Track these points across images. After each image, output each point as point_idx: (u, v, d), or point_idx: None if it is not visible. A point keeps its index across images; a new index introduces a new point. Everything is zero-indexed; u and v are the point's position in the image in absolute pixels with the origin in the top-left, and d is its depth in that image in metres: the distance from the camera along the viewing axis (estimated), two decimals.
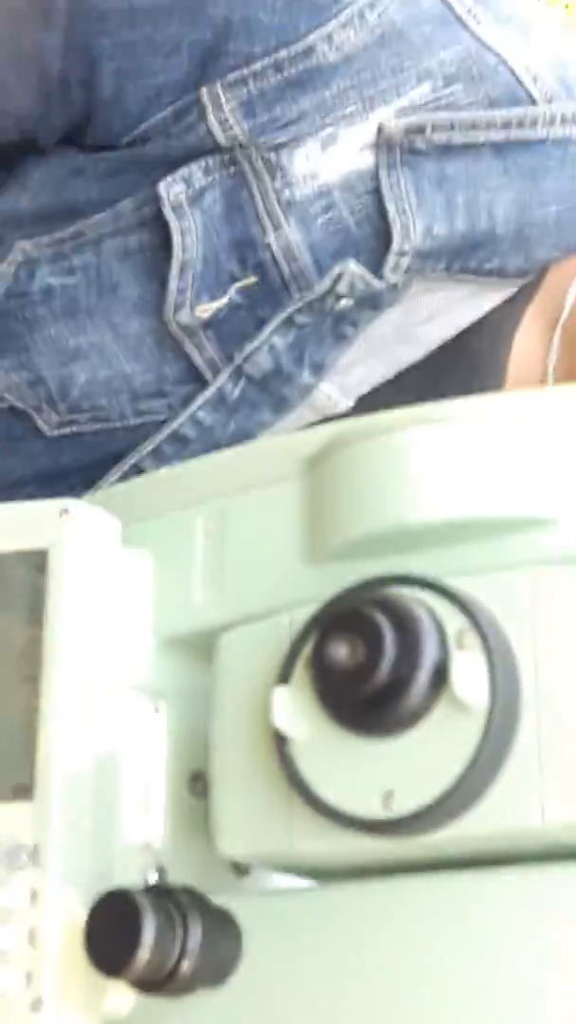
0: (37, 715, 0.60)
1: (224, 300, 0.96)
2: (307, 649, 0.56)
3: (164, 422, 0.99)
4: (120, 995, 0.58)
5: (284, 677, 0.56)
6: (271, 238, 0.95)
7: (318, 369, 0.97)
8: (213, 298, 0.96)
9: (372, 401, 0.99)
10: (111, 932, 0.55)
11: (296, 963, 0.58)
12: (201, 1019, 0.58)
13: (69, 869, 0.58)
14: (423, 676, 0.53)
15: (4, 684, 0.61)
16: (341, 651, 0.53)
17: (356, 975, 0.57)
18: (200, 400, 0.98)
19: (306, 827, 0.56)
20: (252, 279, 0.96)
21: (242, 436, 0.99)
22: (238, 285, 0.96)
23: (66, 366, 0.99)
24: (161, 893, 0.56)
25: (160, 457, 1.00)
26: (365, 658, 0.53)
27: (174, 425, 0.99)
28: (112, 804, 0.61)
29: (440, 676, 0.53)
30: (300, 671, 0.56)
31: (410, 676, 0.53)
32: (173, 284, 0.96)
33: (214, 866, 0.63)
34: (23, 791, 0.59)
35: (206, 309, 0.96)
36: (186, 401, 0.99)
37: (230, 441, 0.99)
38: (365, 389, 1.00)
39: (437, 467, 0.57)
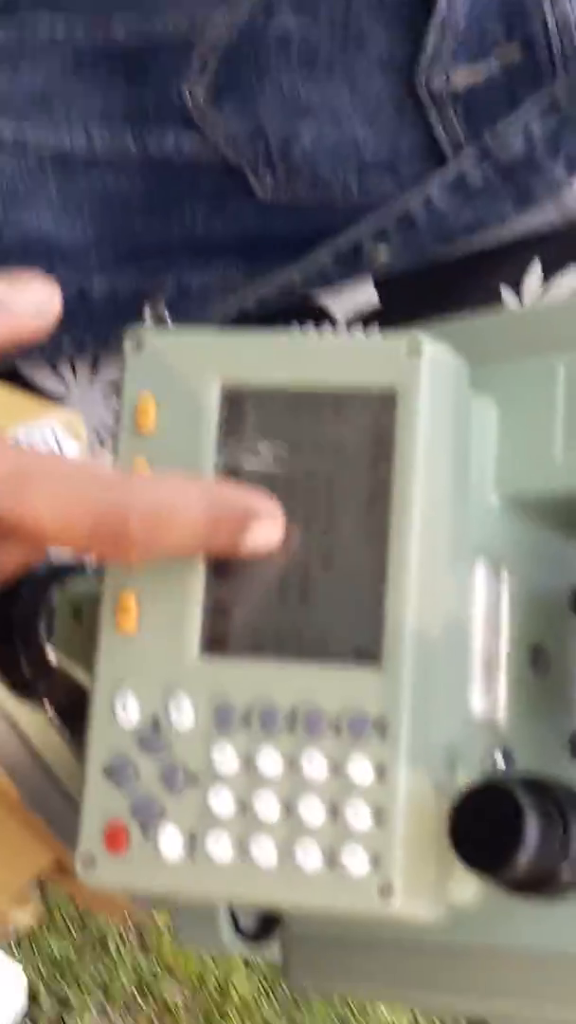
0: (384, 574, 0.54)
1: (482, 69, 0.87)
2: None
3: (390, 200, 0.91)
4: (468, 882, 0.55)
5: None
6: (546, 7, 0.85)
7: (573, 164, 0.89)
8: (470, 65, 0.87)
9: None
10: (486, 827, 0.51)
11: None
12: (557, 920, 0.54)
13: (418, 745, 0.53)
14: None
15: (344, 538, 0.55)
16: None
17: None
18: (437, 180, 0.90)
19: None
20: (516, 51, 0.87)
21: (477, 227, 0.91)
22: (500, 55, 0.87)
23: (292, 122, 0.90)
24: (539, 788, 0.52)
25: (381, 238, 0.92)
26: None
27: (404, 205, 0.90)
28: (461, 676, 0.56)
29: None
30: None
31: None
32: (430, 43, 0.86)
33: (551, 748, 0.58)
34: (367, 656, 0.54)
35: (461, 77, 0.87)
36: (419, 180, 0.90)
37: (462, 231, 0.91)
38: None
39: None
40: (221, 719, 0.54)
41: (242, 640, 0.55)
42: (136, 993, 2.22)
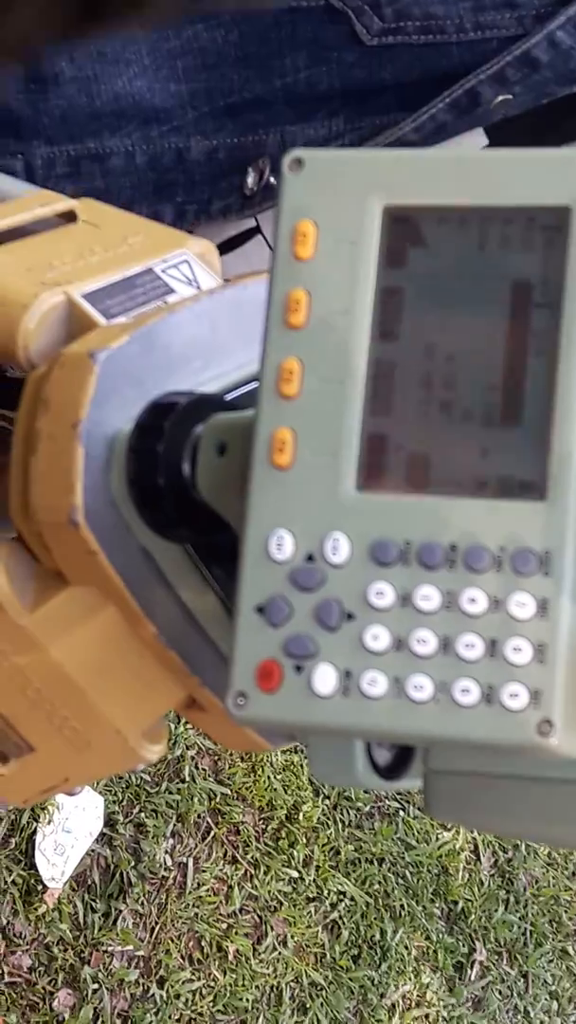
0: (551, 405, 0.53)
1: None
2: None
3: (510, 40, 0.86)
4: None
5: None
6: None
7: None
8: None
9: None
10: None
11: None
12: None
13: None
14: None
15: (509, 367, 0.53)
16: None
17: None
18: (562, 17, 0.85)
19: None
20: None
21: None
22: None
23: None
24: None
25: (500, 82, 0.87)
26: None
27: (526, 44, 0.86)
28: None
29: None
30: None
31: None
32: None
33: None
34: (531, 489, 0.53)
35: None
36: (541, 18, 0.85)
37: None
38: None
39: None
40: (378, 556, 0.54)
41: (399, 475, 0.54)
42: (209, 819, 2.25)
